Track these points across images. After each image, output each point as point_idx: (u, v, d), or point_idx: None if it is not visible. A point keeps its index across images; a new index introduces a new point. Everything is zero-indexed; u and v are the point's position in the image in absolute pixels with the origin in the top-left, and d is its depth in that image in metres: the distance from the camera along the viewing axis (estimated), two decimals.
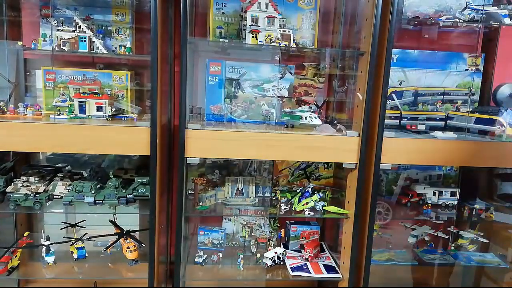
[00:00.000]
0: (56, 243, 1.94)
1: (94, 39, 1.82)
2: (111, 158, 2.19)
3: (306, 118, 1.89)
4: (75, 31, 1.82)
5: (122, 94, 1.97)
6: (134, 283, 1.89)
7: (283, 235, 2.27)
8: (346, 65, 2.11)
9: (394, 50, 1.81)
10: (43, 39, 1.86)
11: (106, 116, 1.84)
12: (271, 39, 1.83)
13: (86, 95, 1.84)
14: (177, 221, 1.85)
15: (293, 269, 2.03)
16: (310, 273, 2.02)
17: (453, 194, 2.12)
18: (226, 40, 1.97)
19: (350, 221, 1.94)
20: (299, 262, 2.11)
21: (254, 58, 2.08)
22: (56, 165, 2.08)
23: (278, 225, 2.29)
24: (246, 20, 1.83)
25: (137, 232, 2.03)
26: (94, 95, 1.85)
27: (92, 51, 1.83)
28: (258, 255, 2.10)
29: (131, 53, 1.93)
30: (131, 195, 1.85)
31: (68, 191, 1.85)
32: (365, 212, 1.90)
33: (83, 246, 1.97)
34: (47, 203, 1.83)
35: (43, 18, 1.92)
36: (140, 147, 1.70)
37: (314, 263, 2.12)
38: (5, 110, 1.80)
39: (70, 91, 1.90)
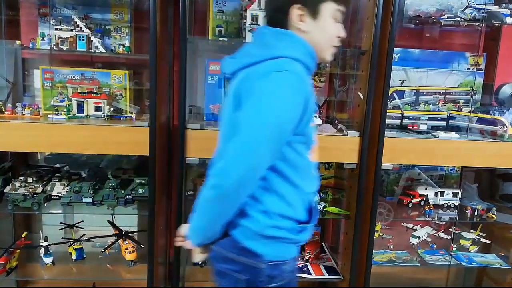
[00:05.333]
0: (55, 244, 1.93)
1: (92, 38, 1.81)
2: (110, 158, 2.17)
3: None
4: (74, 30, 1.80)
5: (121, 94, 1.95)
6: (133, 284, 1.88)
7: None
8: (347, 64, 2.10)
9: (395, 49, 1.80)
10: (41, 38, 1.84)
11: (104, 115, 1.82)
12: None
13: (84, 94, 1.82)
14: (176, 222, 1.83)
15: None
16: (311, 274, 2.00)
17: (454, 194, 2.11)
18: (226, 39, 1.95)
19: (351, 222, 1.93)
20: (299, 263, 2.09)
21: None
22: (54, 165, 2.06)
23: None
24: (246, 19, 1.81)
25: (136, 233, 2.02)
26: (93, 95, 1.83)
27: (90, 50, 1.82)
28: None
29: (130, 52, 1.91)
30: (130, 196, 1.83)
31: (66, 191, 1.84)
32: (366, 213, 1.88)
33: (82, 247, 1.96)
34: (45, 204, 1.81)
35: (41, 17, 1.90)
36: (139, 147, 1.68)
37: (315, 264, 2.11)
38: (3, 110, 1.78)
39: (68, 90, 1.88)
